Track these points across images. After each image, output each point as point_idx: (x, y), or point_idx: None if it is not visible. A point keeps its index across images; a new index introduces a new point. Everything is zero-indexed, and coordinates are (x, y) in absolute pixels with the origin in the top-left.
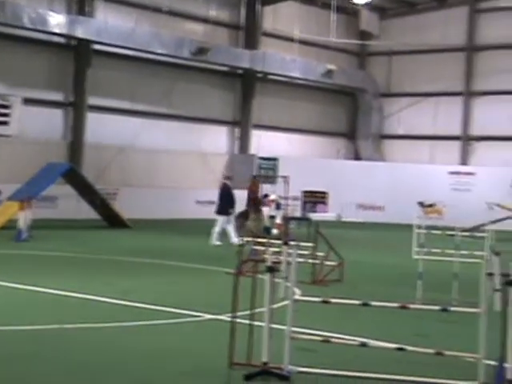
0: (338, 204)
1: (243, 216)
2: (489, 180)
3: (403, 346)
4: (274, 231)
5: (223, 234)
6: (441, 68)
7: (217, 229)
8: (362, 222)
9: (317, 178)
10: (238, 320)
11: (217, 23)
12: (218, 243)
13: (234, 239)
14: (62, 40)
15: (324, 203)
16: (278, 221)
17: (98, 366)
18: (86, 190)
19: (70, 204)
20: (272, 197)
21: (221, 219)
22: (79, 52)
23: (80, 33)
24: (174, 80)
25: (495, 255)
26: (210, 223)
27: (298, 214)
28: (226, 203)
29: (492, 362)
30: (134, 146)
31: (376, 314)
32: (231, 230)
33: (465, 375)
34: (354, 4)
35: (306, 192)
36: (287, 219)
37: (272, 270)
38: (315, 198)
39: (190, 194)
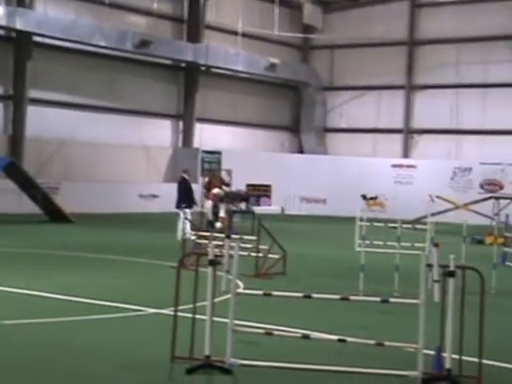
0: (282, 197)
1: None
2: (430, 172)
3: (344, 338)
4: (218, 225)
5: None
6: (383, 62)
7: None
8: (305, 214)
9: (260, 172)
10: (181, 314)
11: (160, 16)
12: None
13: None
14: (1, 32)
15: (268, 196)
16: (222, 214)
17: (37, 363)
18: (27, 185)
19: (11, 198)
20: (215, 190)
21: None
22: (19, 44)
23: (19, 25)
24: (116, 73)
25: (434, 247)
26: (154, 217)
27: (241, 207)
28: (185, 196)
29: (431, 352)
30: (75, 139)
31: (318, 307)
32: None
33: (405, 365)
34: None
35: (249, 185)
36: (231, 213)
37: (214, 263)
38: (259, 192)
39: (133, 188)
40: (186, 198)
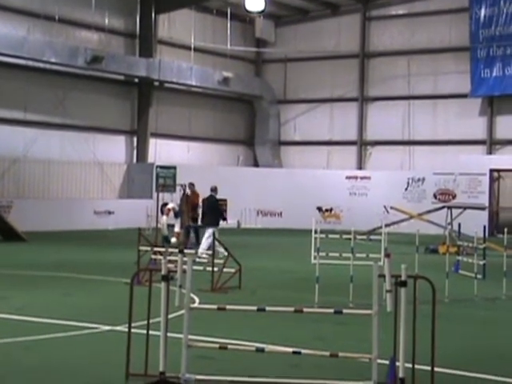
0: (238, 211)
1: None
2: (384, 184)
3: (299, 350)
4: (173, 240)
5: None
6: (335, 74)
7: (206, 242)
8: (261, 228)
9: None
10: (135, 330)
11: (112, 31)
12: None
13: (203, 249)
14: None
15: (223, 210)
16: (177, 229)
17: None
18: None
19: None
20: (170, 205)
21: (210, 231)
22: None
23: None
24: (68, 89)
25: (386, 257)
26: (109, 233)
27: (197, 222)
28: (214, 215)
29: (385, 362)
30: (27, 156)
31: (274, 319)
32: (207, 241)
33: (360, 375)
34: (249, 12)
35: (204, 200)
36: (186, 227)
37: (167, 278)
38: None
39: (88, 205)
40: (211, 216)
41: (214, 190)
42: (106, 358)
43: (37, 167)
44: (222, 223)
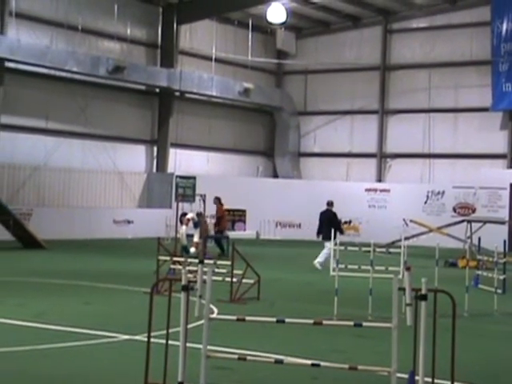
0: (257, 222)
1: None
2: (403, 196)
3: (318, 362)
4: (192, 250)
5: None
6: (356, 87)
7: (324, 254)
8: (280, 239)
9: (235, 196)
10: (154, 340)
11: (133, 41)
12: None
13: (319, 262)
14: None
15: (242, 221)
16: (196, 239)
17: None
18: None
19: None
20: (189, 215)
21: (328, 245)
22: None
23: None
24: (90, 98)
25: (406, 270)
26: (128, 242)
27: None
28: (331, 228)
29: (404, 375)
30: (48, 165)
31: (292, 331)
32: (325, 253)
33: None
34: (271, 23)
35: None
36: (205, 238)
37: (187, 288)
38: (233, 216)
39: (107, 214)
40: (326, 229)
41: (331, 204)
42: (124, 367)
43: (57, 176)
44: (339, 236)
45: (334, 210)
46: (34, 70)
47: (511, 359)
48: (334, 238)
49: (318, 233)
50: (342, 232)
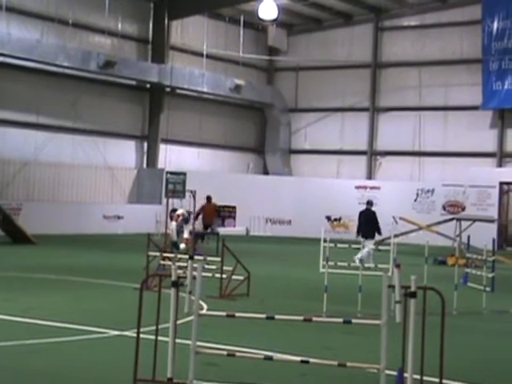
0: (247, 218)
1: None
2: (393, 194)
3: (307, 359)
4: (182, 246)
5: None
6: (347, 84)
7: (365, 252)
8: (270, 235)
9: (225, 193)
10: (144, 336)
11: (124, 37)
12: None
13: (358, 257)
14: None
15: (232, 218)
16: (186, 235)
17: None
18: None
19: None
20: (179, 211)
21: (367, 243)
22: None
23: None
24: (80, 93)
25: (396, 267)
26: (118, 238)
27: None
28: (371, 227)
29: (393, 372)
30: (38, 160)
31: (282, 328)
32: (365, 251)
33: None
34: (262, 20)
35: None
36: (195, 234)
37: (176, 284)
38: (224, 213)
39: (97, 209)
40: (366, 228)
41: (370, 203)
42: (113, 363)
43: (47, 170)
44: (377, 236)
45: (326, 206)
46: (25, 65)
47: (499, 356)
48: (373, 237)
49: (358, 232)
50: (379, 232)
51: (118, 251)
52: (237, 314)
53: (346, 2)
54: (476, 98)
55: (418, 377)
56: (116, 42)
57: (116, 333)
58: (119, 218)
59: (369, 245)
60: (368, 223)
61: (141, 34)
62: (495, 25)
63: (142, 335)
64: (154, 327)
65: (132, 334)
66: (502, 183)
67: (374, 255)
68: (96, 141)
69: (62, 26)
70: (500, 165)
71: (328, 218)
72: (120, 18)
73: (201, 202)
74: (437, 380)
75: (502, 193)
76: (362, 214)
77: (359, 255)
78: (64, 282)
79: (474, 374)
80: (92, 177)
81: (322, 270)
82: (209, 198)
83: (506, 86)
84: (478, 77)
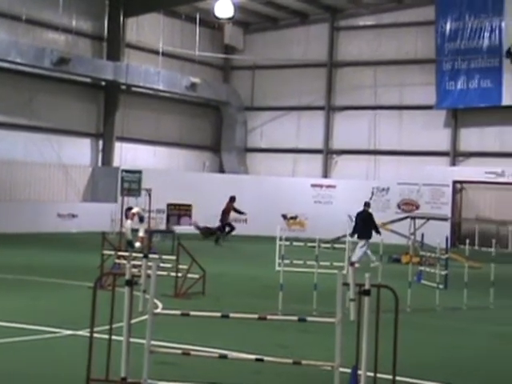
0: (203, 217)
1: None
2: (349, 192)
3: (262, 357)
4: (137, 244)
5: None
6: (303, 83)
7: (359, 252)
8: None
9: (181, 191)
10: (98, 335)
11: (79, 33)
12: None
13: (374, 259)
14: None
15: (188, 216)
16: (141, 234)
17: None
18: None
19: None
20: (135, 210)
21: (362, 242)
22: None
23: None
24: (34, 90)
25: (350, 266)
26: (72, 237)
27: (162, 226)
28: (367, 227)
29: (348, 370)
30: None
31: (237, 326)
32: (361, 250)
33: (322, 383)
34: (218, 18)
35: (170, 205)
36: (150, 232)
37: (130, 283)
38: (180, 211)
39: (51, 207)
40: (361, 229)
41: (367, 205)
42: (66, 362)
43: (0, 168)
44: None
45: (282, 205)
46: None
47: (452, 352)
48: (368, 237)
49: (353, 232)
50: (378, 232)
51: (73, 250)
52: (192, 313)
53: (302, 1)
54: (430, 98)
55: (371, 374)
56: (70, 38)
57: (69, 332)
58: (74, 216)
59: (359, 245)
60: (363, 224)
61: (96, 31)
62: (448, 26)
63: (95, 334)
64: (108, 326)
65: (86, 333)
66: (455, 182)
67: (370, 250)
68: (50, 138)
69: (15, 22)
70: (453, 164)
71: (284, 217)
72: (74, 14)
73: (160, 200)
74: (390, 377)
75: (455, 191)
76: (358, 215)
77: (354, 258)
78: (18, 281)
79: (428, 370)
80: (46, 175)
81: (277, 268)
82: (230, 198)
83: (458, 86)
84: (432, 77)
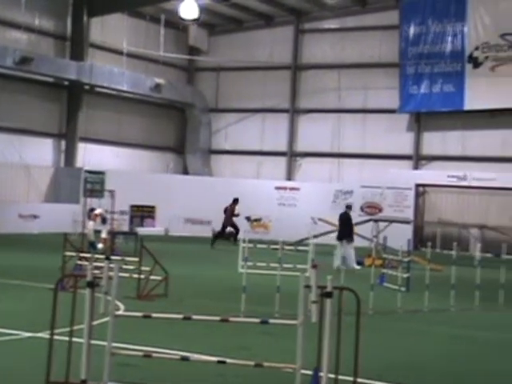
0: (166, 218)
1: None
2: (312, 195)
3: (224, 359)
4: (100, 246)
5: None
6: (267, 85)
7: (339, 254)
8: (189, 236)
9: (145, 192)
10: (58, 337)
11: (42, 33)
12: (343, 267)
13: (354, 264)
14: None
15: (152, 217)
16: (104, 235)
17: None
18: None
19: None
20: (97, 211)
21: (347, 246)
22: None
23: None
24: None
25: (312, 268)
26: (33, 238)
27: (125, 228)
28: (347, 229)
29: (309, 372)
30: None
31: (199, 328)
32: (352, 254)
33: None
34: (183, 19)
35: (133, 206)
36: (113, 234)
37: (92, 284)
38: (143, 213)
39: (13, 208)
40: (344, 230)
41: (349, 207)
42: (25, 365)
43: None
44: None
45: (246, 207)
46: None
47: (413, 354)
48: (349, 239)
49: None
50: (350, 235)
51: (34, 251)
52: (154, 315)
53: (267, 3)
54: (394, 102)
55: (333, 376)
56: (33, 37)
57: (29, 334)
58: (35, 217)
59: (348, 248)
60: (343, 226)
61: (59, 31)
62: (411, 30)
63: (56, 336)
64: (68, 328)
65: (46, 335)
66: (417, 185)
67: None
68: (12, 138)
69: None
70: (416, 167)
71: (248, 219)
72: (37, 13)
73: (123, 201)
74: (351, 379)
75: (417, 195)
76: (339, 216)
77: (336, 262)
78: None
79: (389, 373)
80: (7, 175)
81: (240, 270)
82: (234, 200)
83: (421, 90)
84: (395, 80)
